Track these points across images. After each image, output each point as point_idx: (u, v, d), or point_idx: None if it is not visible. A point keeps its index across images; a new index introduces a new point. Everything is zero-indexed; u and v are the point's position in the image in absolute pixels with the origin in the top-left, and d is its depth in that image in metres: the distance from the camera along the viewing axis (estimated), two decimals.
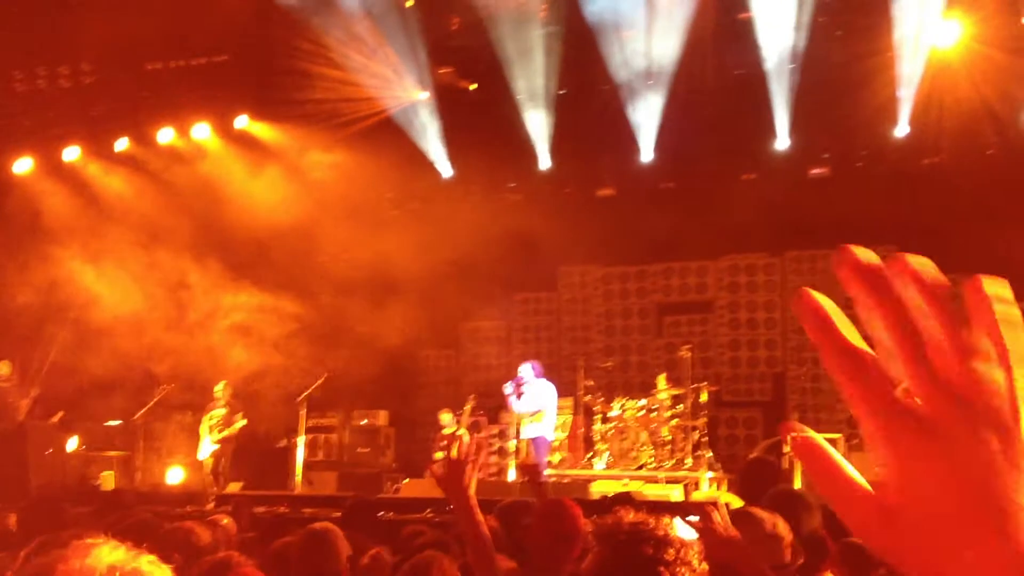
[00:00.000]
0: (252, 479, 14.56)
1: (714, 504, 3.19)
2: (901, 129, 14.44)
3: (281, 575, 4.63)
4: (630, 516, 2.57)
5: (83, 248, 15.70)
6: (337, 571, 4.47)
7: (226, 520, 5.64)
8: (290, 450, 14.69)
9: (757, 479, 4.62)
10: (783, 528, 3.49)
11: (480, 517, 3.53)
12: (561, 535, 4.15)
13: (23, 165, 16.73)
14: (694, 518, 3.21)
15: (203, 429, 14.71)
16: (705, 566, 2.53)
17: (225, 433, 14.55)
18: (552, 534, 4.25)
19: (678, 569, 2.46)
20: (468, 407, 14.81)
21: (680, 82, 14.41)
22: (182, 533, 4.39)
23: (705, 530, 3.11)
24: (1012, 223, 13.29)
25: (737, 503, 5.19)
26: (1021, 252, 13.45)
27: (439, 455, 15.05)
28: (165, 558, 1.69)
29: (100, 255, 15.69)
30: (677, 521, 3.11)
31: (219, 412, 14.61)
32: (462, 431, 14.92)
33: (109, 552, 1.52)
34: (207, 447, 14.65)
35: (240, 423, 14.61)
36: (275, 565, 4.82)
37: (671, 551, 2.48)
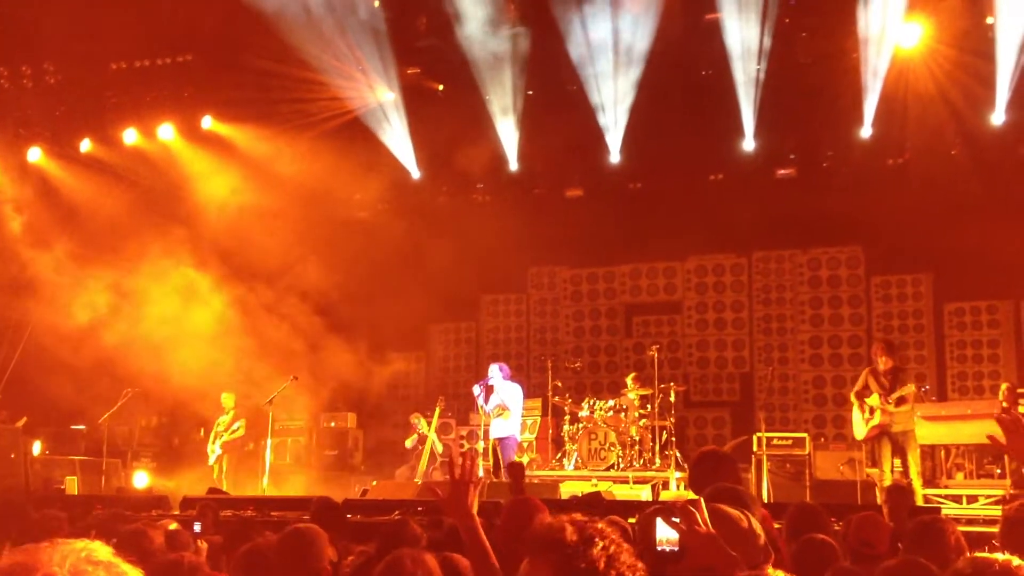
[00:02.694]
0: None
1: (695, 504, 3.16)
2: (866, 130, 14.55)
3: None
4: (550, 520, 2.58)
5: (47, 250, 15.50)
6: (319, 571, 4.42)
7: (173, 525, 5.57)
8: (257, 453, 14.66)
9: (708, 472, 4.61)
10: (757, 525, 3.48)
11: (483, 534, 3.59)
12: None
13: None
14: (675, 519, 3.18)
15: (211, 436, 15.23)
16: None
17: (226, 439, 15.05)
18: (518, 532, 4.22)
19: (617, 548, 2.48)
20: (437, 410, 14.78)
21: (647, 83, 14.43)
22: (135, 535, 4.31)
23: (689, 531, 3.08)
24: (976, 221, 13.44)
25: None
26: (985, 249, 13.61)
27: (409, 442, 15.01)
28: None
29: (64, 257, 15.50)
30: (659, 521, 3.08)
31: (224, 419, 15.13)
32: (431, 435, 14.88)
33: (83, 545, 1.63)
34: (213, 453, 15.09)
35: (241, 430, 15.12)
36: (249, 566, 4.74)
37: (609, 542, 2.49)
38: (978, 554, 2.18)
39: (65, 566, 1.55)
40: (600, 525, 2.54)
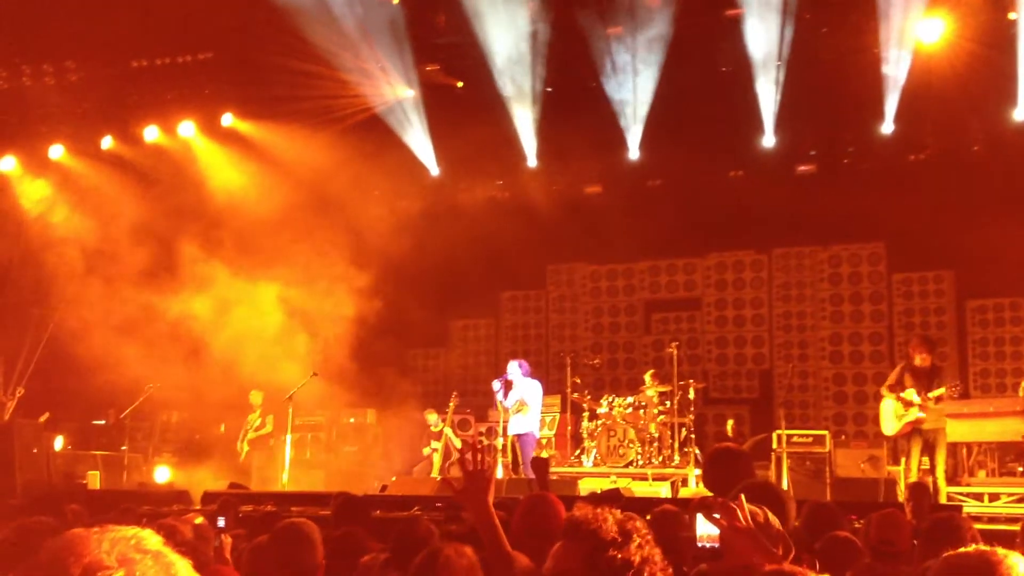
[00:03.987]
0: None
1: (737, 501, 3.16)
2: (887, 126, 14.46)
3: (259, 571, 4.60)
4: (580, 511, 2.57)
5: (69, 247, 15.61)
6: (313, 566, 4.44)
7: (199, 519, 5.61)
8: (277, 449, 14.72)
9: (724, 468, 4.60)
10: (774, 520, 3.47)
11: (499, 526, 3.61)
12: (544, 530, 4.11)
13: (7, 164, 16.64)
14: (716, 516, 3.18)
15: (242, 433, 15.53)
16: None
17: (253, 435, 15.39)
18: (535, 529, 4.22)
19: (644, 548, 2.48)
20: (452, 405, 14.80)
21: (667, 79, 14.39)
22: (164, 530, 4.33)
23: (731, 528, 3.08)
24: (997, 218, 13.34)
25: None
26: (1008, 246, 13.52)
27: (426, 450, 15.05)
28: None
29: (85, 254, 15.61)
30: (700, 518, 3.08)
31: (253, 416, 15.42)
32: (447, 430, 14.91)
33: (133, 533, 1.62)
34: (244, 450, 15.43)
35: (268, 426, 15.36)
36: (254, 561, 4.79)
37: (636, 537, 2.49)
38: (961, 549, 2.15)
39: (113, 553, 1.54)
40: (638, 523, 2.54)
